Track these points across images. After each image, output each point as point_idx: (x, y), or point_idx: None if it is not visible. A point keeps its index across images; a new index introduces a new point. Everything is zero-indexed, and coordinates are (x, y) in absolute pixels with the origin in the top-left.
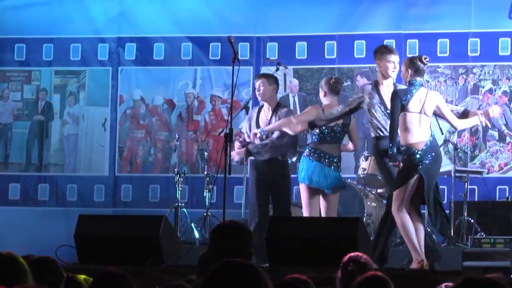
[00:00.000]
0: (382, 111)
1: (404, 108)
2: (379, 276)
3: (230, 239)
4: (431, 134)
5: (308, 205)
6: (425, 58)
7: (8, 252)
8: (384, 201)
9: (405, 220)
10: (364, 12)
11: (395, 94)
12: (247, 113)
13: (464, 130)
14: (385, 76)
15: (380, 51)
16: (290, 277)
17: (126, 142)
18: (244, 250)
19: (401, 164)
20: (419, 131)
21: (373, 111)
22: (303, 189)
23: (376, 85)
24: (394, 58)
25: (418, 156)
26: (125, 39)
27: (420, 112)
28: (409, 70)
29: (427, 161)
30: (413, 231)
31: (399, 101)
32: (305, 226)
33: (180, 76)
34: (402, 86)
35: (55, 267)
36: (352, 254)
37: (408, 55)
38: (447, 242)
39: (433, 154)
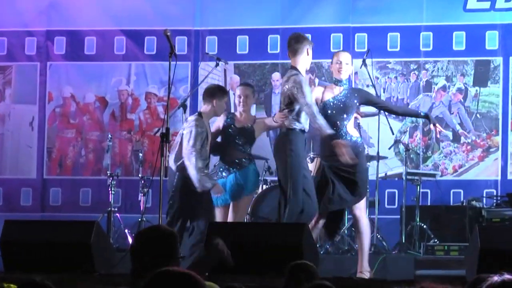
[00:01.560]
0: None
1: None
2: (326, 285)
3: (155, 245)
4: None
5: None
6: None
7: None
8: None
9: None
10: (310, 3)
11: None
12: (184, 112)
13: (416, 129)
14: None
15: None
16: (226, 286)
17: (55, 143)
18: (171, 255)
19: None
20: None
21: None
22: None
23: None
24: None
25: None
26: (54, 32)
27: None
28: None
29: None
30: None
31: None
32: (246, 231)
33: (113, 72)
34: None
35: None
36: (297, 262)
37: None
38: (398, 249)
39: None
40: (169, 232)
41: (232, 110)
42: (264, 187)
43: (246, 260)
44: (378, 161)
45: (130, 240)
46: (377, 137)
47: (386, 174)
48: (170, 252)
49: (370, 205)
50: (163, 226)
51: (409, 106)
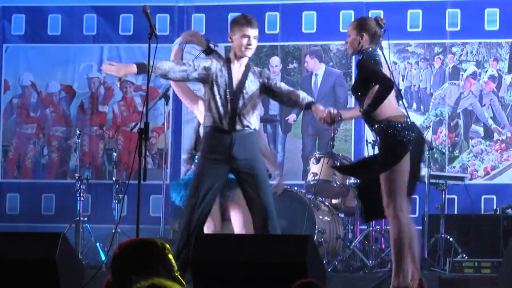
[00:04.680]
0: (223, 96)
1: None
2: (315, 284)
3: (137, 263)
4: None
5: None
6: (381, 20)
7: None
8: (341, 214)
9: (405, 226)
10: None
11: (364, 62)
12: (166, 103)
13: (441, 124)
14: (238, 55)
15: (235, 22)
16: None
17: (13, 140)
18: (165, 273)
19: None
20: (395, 104)
21: (215, 91)
22: None
23: (227, 62)
24: (251, 32)
25: (404, 129)
26: (11, 8)
27: None
28: (364, 35)
29: (415, 139)
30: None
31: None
32: (241, 246)
33: (82, 57)
34: (256, 68)
35: None
36: (302, 281)
37: None
38: (420, 266)
39: (416, 133)
40: (161, 244)
41: None
42: None
43: (241, 280)
44: None
45: (102, 255)
46: None
47: None
48: (163, 269)
49: None
50: (146, 239)
51: (433, 97)
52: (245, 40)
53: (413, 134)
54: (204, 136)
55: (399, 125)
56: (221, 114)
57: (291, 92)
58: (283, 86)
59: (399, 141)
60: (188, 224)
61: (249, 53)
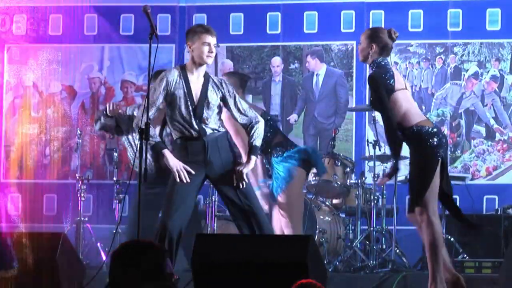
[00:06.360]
0: (185, 107)
1: (392, 90)
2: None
3: (133, 264)
4: None
5: None
6: (394, 33)
7: None
8: (342, 214)
9: (440, 228)
10: None
11: (376, 78)
12: None
13: (442, 124)
14: (197, 63)
15: (193, 31)
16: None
17: (14, 140)
18: (157, 276)
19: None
20: (418, 109)
21: (176, 103)
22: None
23: (183, 71)
24: (211, 40)
25: (436, 137)
26: (13, 9)
27: (406, 88)
28: (374, 46)
29: (444, 144)
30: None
31: (385, 85)
32: (242, 246)
33: (83, 57)
34: (215, 78)
35: None
36: (303, 281)
37: None
38: (421, 265)
39: (442, 137)
40: (155, 246)
41: None
42: None
43: (242, 279)
44: None
45: (103, 255)
46: None
47: (406, 177)
48: (156, 271)
49: (388, 214)
50: (147, 240)
51: (435, 97)
52: (206, 48)
53: (443, 140)
54: (176, 148)
55: (430, 130)
56: (187, 124)
57: (244, 125)
58: (240, 113)
59: (430, 146)
60: (164, 231)
61: (210, 60)
